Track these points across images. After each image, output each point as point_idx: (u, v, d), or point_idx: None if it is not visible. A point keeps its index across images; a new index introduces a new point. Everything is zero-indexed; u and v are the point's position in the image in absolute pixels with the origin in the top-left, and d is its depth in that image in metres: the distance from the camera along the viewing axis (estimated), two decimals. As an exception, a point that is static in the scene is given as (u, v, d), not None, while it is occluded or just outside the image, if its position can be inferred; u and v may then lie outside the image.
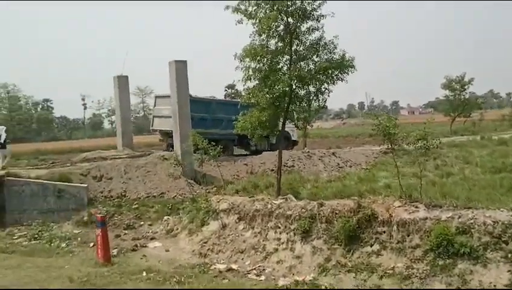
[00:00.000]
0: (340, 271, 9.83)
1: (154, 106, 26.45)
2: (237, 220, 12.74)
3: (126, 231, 15.46)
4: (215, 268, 11.26)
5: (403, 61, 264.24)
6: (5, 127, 21.90)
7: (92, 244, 14.09)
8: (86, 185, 17.55)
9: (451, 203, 10.03)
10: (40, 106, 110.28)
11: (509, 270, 8.17)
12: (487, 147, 30.86)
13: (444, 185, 16.14)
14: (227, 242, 12.30)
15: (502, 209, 9.38)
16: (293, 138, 30.59)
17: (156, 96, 27.18)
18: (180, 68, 20.05)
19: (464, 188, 15.21)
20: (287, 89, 12.28)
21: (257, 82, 12.91)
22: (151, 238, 14.40)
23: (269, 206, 12.18)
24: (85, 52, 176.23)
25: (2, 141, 20.67)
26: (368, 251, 9.91)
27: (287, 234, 11.34)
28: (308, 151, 26.41)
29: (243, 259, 11.55)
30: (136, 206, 17.05)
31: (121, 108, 24.40)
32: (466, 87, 41.57)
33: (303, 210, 11.38)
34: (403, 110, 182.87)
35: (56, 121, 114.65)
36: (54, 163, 21.53)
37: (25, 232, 15.63)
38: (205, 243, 12.68)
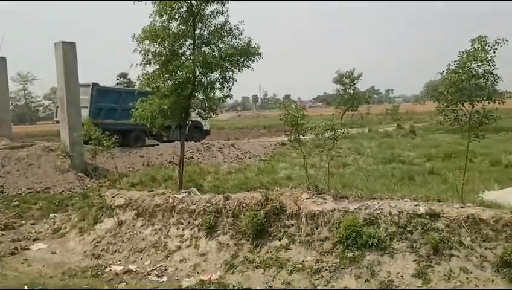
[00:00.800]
0: (248, 268, 9.32)
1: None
2: (135, 217, 11.70)
3: (3, 232, 13.57)
4: (110, 270, 10.21)
5: (295, 56, 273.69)
6: None
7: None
8: (-47, 180, 15.25)
9: (357, 194, 9.99)
10: None
11: (414, 260, 8.23)
12: (375, 138, 32.67)
13: (342, 175, 16.46)
14: (124, 241, 11.23)
15: (405, 199, 9.51)
16: (205, 128, 30.02)
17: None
18: (67, 50, 18.23)
19: (360, 179, 15.62)
20: (191, 75, 11.46)
21: (157, 67, 11.91)
22: (35, 239, 12.78)
23: (171, 200, 11.32)
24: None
25: None
26: (276, 246, 9.51)
27: (191, 230, 10.59)
28: (207, 143, 25.80)
29: (141, 259, 10.58)
30: (16, 203, 15.16)
31: (-1, 93, 21.78)
32: (355, 81, 43.67)
33: (208, 204, 10.70)
34: (293, 104, 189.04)
35: None
36: None
37: None
38: (98, 242, 11.48)
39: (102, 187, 17.46)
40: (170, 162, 22.26)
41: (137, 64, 11.89)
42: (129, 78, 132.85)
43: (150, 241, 10.92)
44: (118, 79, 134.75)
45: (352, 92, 43.89)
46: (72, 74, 18.31)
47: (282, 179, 16.38)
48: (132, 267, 10.27)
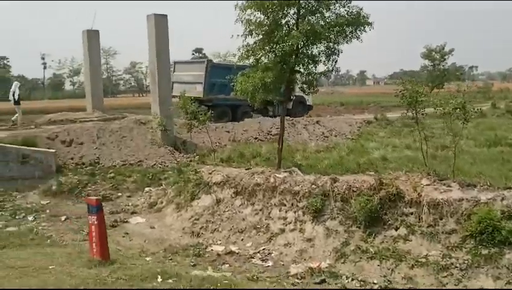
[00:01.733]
0: (361, 258, 8.59)
1: (174, 71, 25.32)
2: (233, 195, 11.27)
3: (102, 203, 13.75)
4: (212, 250, 9.86)
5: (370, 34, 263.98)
6: (18, 83, 22.06)
7: (63, 218, 12.47)
8: (54, 151, 15.61)
9: (485, 182, 8.86)
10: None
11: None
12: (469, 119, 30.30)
13: (446, 158, 15.16)
14: (223, 220, 10.85)
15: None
16: (308, 103, 29.45)
17: (175, 62, 26.55)
18: (159, 22, 18.02)
19: (466, 162, 14.30)
20: (295, 47, 10.65)
21: (259, 38, 11.21)
22: (132, 213, 12.79)
23: (272, 180, 10.73)
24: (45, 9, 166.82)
25: (16, 97, 20.67)
26: (393, 235, 8.67)
27: (295, 212, 9.97)
28: (292, 120, 25.06)
29: (242, 240, 10.15)
30: (112, 175, 15.31)
31: (91, 66, 22.13)
32: (446, 57, 40.86)
33: (313, 186, 10.00)
34: (368, 81, 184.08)
35: (13, 80, 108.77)
36: (15, 125, 19.32)
37: (-15, 203, 13.76)
38: (197, 220, 11.19)
39: (191, 162, 17.36)
40: (256, 138, 21.83)
41: (238, 35, 11.26)
42: (204, 53, 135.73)
43: (250, 221, 10.45)
44: (193, 54, 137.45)
45: (442, 68, 41.11)
46: (163, 46, 18.13)
47: (377, 160, 15.38)
48: (233, 248, 9.86)
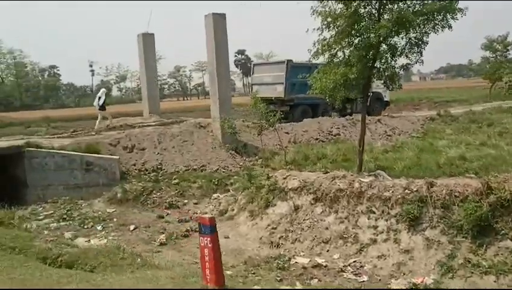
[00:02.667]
0: (472, 272, 7.58)
1: (252, 73, 26.57)
2: (313, 202, 10.45)
3: (169, 211, 13.30)
4: (296, 263, 9.07)
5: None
6: (105, 90, 22.72)
7: (132, 227, 12.02)
8: (117, 157, 15.29)
9: None
10: (47, 73, 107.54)
11: None
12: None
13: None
14: (303, 229, 10.05)
15: None
16: (385, 99, 28.58)
17: (254, 64, 28.03)
18: (218, 22, 17.45)
19: None
20: (378, 39, 9.72)
21: (338, 30, 10.33)
22: (202, 221, 12.17)
23: (357, 185, 9.84)
24: (91, 19, 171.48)
25: (101, 103, 21.06)
26: (508, 247, 7.62)
27: (387, 221, 9.04)
28: (352, 118, 24.01)
29: (328, 251, 9.32)
30: (176, 181, 14.82)
31: (147, 69, 21.84)
32: (509, 47, 38.50)
33: (407, 191, 9.05)
34: (414, 76, 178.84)
35: (63, 88, 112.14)
36: (75, 131, 19.23)
37: (51, 211, 13.55)
38: (274, 229, 10.44)
39: (255, 165, 16.70)
40: (316, 139, 20.95)
41: (314, 29, 10.44)
42: (247, 54, 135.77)
43: (335, 230, 9.60)
44: (235, 56, 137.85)
45: (504, 58, 38.73)
46: (222, 46, 17.56)
47: (454, 159, 14.25)
48: (320, 260, 9.04)
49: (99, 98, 21.37)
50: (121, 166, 15.27)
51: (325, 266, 8.80)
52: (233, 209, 12.12)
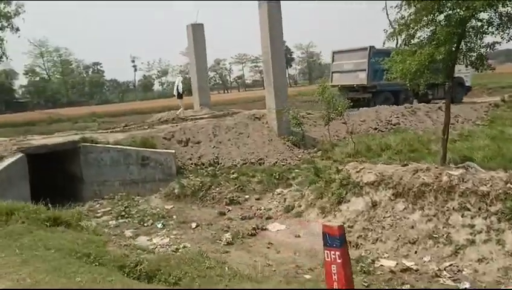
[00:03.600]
0: None
1: (332, 61, 26.71)
2: (392, 197, 9.51)
3: (230, 207, 12.62)
4: (381, 266, 8.18)
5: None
6: (182, 78, 23.15)
7: (193, 225, 11.42)
8: (173, 151, 14.75)
9: None
10: (91, 70, 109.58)
11: None
12: None
13: None
14: (384, 227, 9.12)
15: None
16: (466, 84, 27.57)
17: (334, 52, 27.08)
18: (272, 9, 16.60)
19: None
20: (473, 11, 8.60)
21: (415, 8, 9.29)
22: (267, 218, 11.44)
23: (445, 179, 8.83)
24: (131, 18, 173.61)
25: (181, 91, 21.07)
26: None
27: (485, 219, 8.01)
28: (411, 107, 22.73)
29: (416, 253, 8.36)
30: (235, 175, 14.13)
31: (197, 60, 21.22)
32: None
33: (509, 185, 7.99)
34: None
35: (107, 84, 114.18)
36: (127, 126, 18.85)
37: (109, 208, 13.15)
38: (351, 227, 9.54)
39: (314, 158, 15.85)
40: (375, 128, 19.87)
41: (391, 7, 9.45)
42: (287, 45, 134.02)
43: (422, 230, 8.63)
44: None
45: None
46: (277, 34, 16.72)
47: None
48: (408, 263, 8.11)
49: (178, 86, 21.29)
50: (176, 160, 14.72)
51: (416, 270, 7.87)
52: (300, 205, 11.29)
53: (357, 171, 10.44)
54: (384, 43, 10.27)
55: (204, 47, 21.45)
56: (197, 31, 21.14)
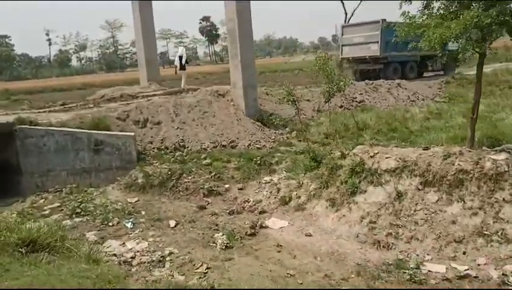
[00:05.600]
0: None
1: (342, 35, 28.11)
2: (420, 187, 8.16)
3: (209, 199, 10.76)
4: (428, 272, 6.80)
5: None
6: (184, 48, 21.82)
7: (172, 223, 9.48)
8: (133, 134, 12.52)
9: None
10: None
11: None
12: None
13: None
14: (417, 223, 7.76)
15: None
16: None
17: (343, 26, 28.80)
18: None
19: None
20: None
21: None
22: (261, 212, 9.73)
23: (488, 165, 7.60)
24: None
25: (184, 62, 19.80)
26: None
27: (548, 212, 6.88)
28: (372, 83, 21.81)
29: (465, 254, 7.07)
30: (207, 161, 12.22)
31: (144, 31, 18.64)
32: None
33: None
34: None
35: (17, 58, 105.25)
36: (65, 104, 16.11)
37: (57, 204, 10.87)
38: (374, 222, 8.10)
39: (289, 139, 14.33)
40: (341, 106, 18.67)
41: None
42: (212, 21, 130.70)
43: (467, 225, 7.36)
44: (200, 23, 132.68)
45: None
46: (244, 4, 14.75)
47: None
48: (459, 267, 6.80)
49: (181, 57, 19.82)
50: (136, 145, 12.51)
51: (475, 277, 6.57)
52: (299, 197, 9.67)
53: (371, 156, 8.98)
54: (400, 6, 8.75)
55: (152, 16, 18.94)
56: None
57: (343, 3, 30.93)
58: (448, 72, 27.46)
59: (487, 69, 31.22)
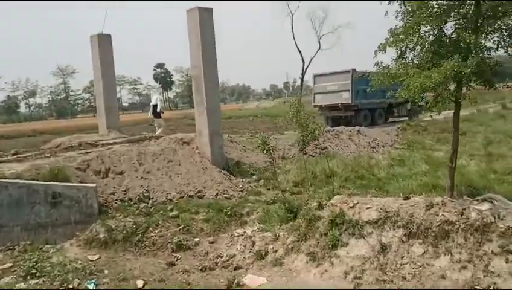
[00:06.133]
0: None
1: (314, 84, 29.70)
2: (404, 239, 7.91)
3: (178, 255, 10.06)
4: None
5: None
6: (160, 96, 22.66)
7: (140, 283, 8.73)
8: (94, 185, 11.73)
9: None
10: None
11: None
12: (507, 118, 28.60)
13: None
14: (405, 278, 7.43)
15: None
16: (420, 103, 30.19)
17: (315, 75, 30.15)
18: (204, 17, 14.48)
19: None
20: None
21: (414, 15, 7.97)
22: (236, 268, 9.14)
23: (474, 215, 7.44)
24: None
25: (158, 110, 20.12)
26: None
27: (539, 264, 6.73)
28: (334, 130, 21.97)
29: (459, 310, 6.78)
30: (174, 213, 11.56)
31: (104, 76, 18.02)
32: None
33: (561, 223, 6.82)
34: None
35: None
36: (17, 153, 15.10)
37: (9, 264, 9.80)
38: (359, 278, 7.71)
39: (258, 188, 13.94)
40: (305, 153, 18.53)
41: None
42: (166, 68, 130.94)
43: (457, 280, 7.08)
44: (154, 70, 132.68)
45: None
46: (210, 46, 14.56)
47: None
48: (454, 325, 6.48)
49: (155, 105, 20.26)
50: (97, 196, 11.73)
51: (473, 336, 6.25)
52: (276, 250, 9.18)
53: (351, 207, 8.69)
54: (375, 54, 8.76)
55: (113, 60, 18.44)
56: (103, 42, 18.09)
57: (300, 52, 32.03)
58: (413, 117, 29.62)
59: (439, 116, 32.69)
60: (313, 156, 18.27)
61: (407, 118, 29.81)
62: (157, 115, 20.41)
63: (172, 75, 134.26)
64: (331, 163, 16.15)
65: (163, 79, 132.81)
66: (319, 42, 29.04)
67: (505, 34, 7.78)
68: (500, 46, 7.84)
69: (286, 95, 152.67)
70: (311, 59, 30.12)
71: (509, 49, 8.00)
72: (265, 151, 10.48)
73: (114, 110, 18.80)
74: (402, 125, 26.31)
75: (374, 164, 16.20)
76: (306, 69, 31.31)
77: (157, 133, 19.14)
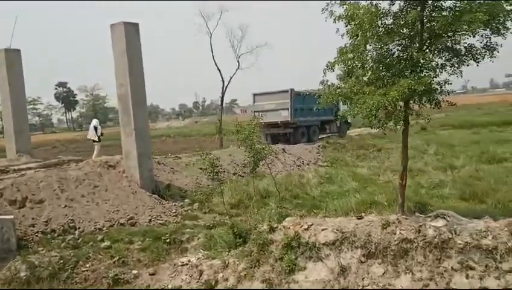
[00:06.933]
0: None
1: (254, 102, 29.89)
2: (363, 259, 7.74)
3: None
4: None
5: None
6: (98, 120, 21.09)
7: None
8: (11, 217, 10.36)
9: None
10: None
11: None
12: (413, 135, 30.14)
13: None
14: (369, 300, 7.24)
15: None
16: (349, 120, 30.78)
17: (254, 94, 30.24)
18: (130, 33, 13.69)
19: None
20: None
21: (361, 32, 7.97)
22: (185, 302, 8.43)
23: (431, 232, 7.45)
24: None
25: (99, 133, 19.81)
26: None
27: (498, 279, 6.80)
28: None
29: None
30: (106, 243, 10.54)
31: (12, 95, 16.36)
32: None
33: (514, 237, 6.99)
34: (236, 109, 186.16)
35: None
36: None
37: None
38: (322, 304, 7.39)
39: (193, 212, 13.27)
40: (234, 173, 18.22)
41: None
42: (69, 87, 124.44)
43: (421, 298, 7.02)
44: (56, 88, 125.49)
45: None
46: (136, 63, 13.78)
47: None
48: None
49: (96, 128, 19.74)
50: (15, 229, 10.38)
51: None
52: (226, 279, 8.60)
53: (306, 229, 8.39)
54: (324, 73, 8.63)
55: (22, 79, 16.81)
56: (11, 57, 16.47)
57: (219, 71, 31.41)
58: (342, 133, 31.96)
59: (353, 133, 33.96)
60: (242, 176, 17.91)
61: (337, 134, 32.05)
62: (98, 139, 19.90)
63: (76, 94, 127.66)
64: (262, 183, 15.94)
65: (66, 98, 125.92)
66: (238, 61, 29.47)
67: (451, 53, 7.99)
68: (448, 65, 8.03)
69: (196, 115, 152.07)
70: (231, 78, 30.20)
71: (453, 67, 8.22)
72: (212, 175, 9.91)
73: (25, 133, 17.08)
74: (322, 143, 26.90)
75: (306, 182, 16.19)
76: (226, 87, 31.05)
77: (93, 156, 18.11)
